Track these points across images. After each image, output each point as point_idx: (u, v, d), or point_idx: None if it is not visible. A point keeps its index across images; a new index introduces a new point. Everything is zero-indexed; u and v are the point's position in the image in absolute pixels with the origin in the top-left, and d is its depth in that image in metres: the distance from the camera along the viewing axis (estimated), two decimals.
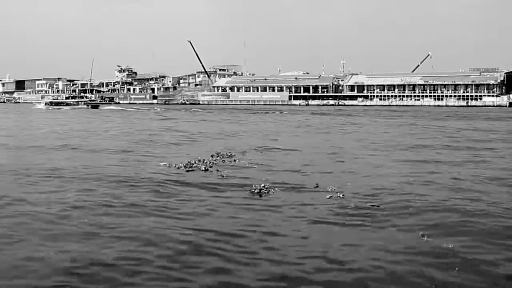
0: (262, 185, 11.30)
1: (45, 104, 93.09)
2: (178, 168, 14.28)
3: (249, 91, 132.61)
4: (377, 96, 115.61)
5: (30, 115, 61.70)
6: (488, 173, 13.48)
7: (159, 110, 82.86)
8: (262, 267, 6.39)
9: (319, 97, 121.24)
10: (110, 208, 9.46)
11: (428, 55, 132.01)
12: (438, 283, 5.89)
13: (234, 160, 15.92)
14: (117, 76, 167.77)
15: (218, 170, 13.85)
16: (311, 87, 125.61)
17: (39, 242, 7.31)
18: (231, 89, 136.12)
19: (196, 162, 15.06)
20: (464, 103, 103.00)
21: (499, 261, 6.57)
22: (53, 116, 58.03)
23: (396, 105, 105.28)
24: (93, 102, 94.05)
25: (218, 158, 16.37)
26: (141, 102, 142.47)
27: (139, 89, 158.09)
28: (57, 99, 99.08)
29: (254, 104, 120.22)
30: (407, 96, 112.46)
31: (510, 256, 6.79)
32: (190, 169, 14.17)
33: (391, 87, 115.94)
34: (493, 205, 9.59)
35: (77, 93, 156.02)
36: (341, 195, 10.35)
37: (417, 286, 5.84)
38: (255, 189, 10.98)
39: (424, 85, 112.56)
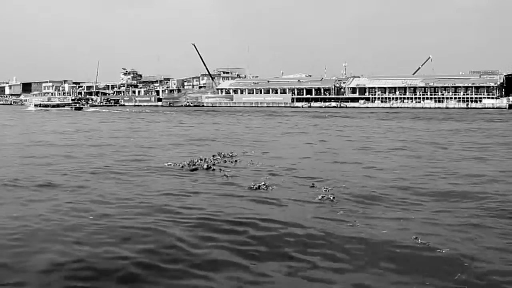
0: (263, 182, 12.02)
1: (35, 105, 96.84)
2: (182, 167, 14.98)
3: (253, 93, 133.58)
4: (378, 98, 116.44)
5: (15, 115, 63.68)
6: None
7: (161, 112, 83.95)
8: None
9: (321, 99, 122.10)
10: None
11: (429, 57, 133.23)
12: None
13: (235, 161, 16.56)
14: (122, 79, 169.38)
15: (221, 169, 14.60)
16: (313, 90, 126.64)
17: None
18: (235, 91, 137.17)
19: (199, 161, 15.83)
20: (464, 105, 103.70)
21: None
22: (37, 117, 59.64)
23: (397, 107, 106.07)
24: (77, 105, 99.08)
25: (219, 158, 17.04)
26: (146, 104, 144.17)
27: (144, 91, 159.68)
28: (64, 100, 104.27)
29: (258, 106, 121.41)
30: (408, 98, 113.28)
31: None
32: (193, 167, 14.98)
33: (392, 89, 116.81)
34: None
35: (83, 95, 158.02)
36: (331, 197, 10.53)
37: None
38: (254, 185, 11.78)
39: (424, 87, 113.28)
